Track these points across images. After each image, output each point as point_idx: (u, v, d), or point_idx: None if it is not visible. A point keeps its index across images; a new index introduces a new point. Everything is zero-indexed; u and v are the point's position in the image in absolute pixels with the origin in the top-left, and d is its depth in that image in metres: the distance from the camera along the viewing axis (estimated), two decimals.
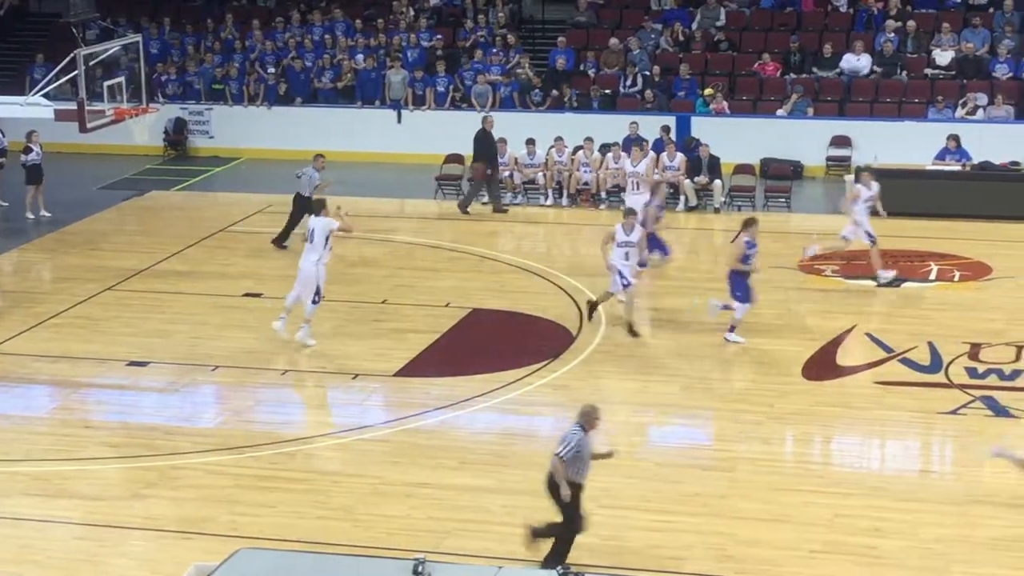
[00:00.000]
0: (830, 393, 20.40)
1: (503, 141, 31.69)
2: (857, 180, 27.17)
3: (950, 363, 21.37)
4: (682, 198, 31.32)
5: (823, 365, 21.35)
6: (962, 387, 20.41)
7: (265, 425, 19.61)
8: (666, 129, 32.79)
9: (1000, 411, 19.61)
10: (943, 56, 35.03)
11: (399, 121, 36.20)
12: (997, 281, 25.42)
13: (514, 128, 32.35)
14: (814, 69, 35.63)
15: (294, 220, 27.83)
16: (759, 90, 35.61)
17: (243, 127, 36.90)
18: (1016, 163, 30.72)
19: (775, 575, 15.17)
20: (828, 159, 33.83)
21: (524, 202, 31.85)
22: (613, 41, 36.75)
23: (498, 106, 35.50)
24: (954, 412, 19.56)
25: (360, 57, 37.22)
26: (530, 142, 32.08)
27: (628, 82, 35.80)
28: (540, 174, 31.85)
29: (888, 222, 26.12)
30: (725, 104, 34.64)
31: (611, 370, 21.42)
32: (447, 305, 24.15)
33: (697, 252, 27.74)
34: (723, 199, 31.33)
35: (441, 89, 36.26)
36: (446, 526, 16.30)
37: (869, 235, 25.22)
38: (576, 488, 14.89)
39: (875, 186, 25.73)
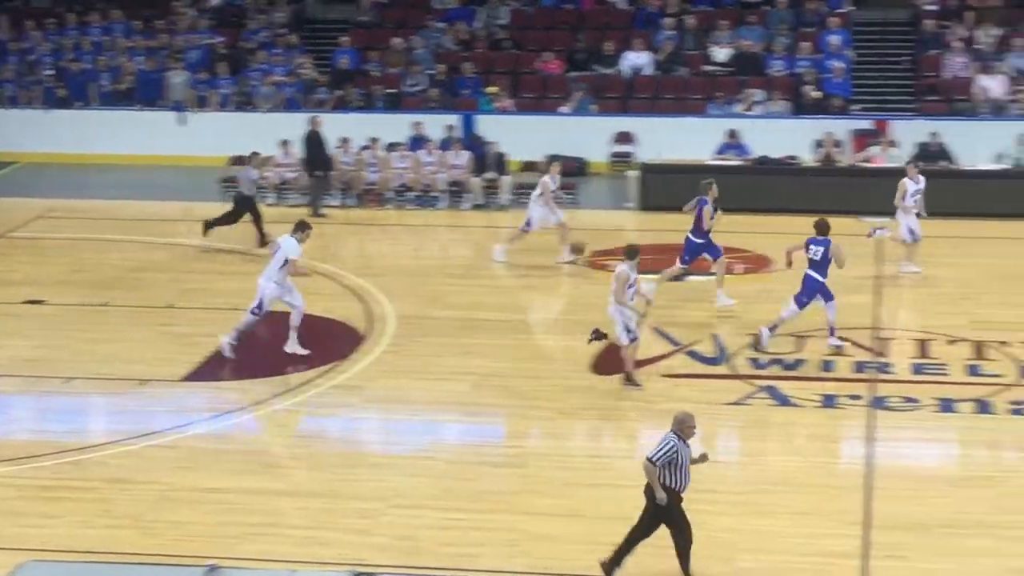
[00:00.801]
0: (619, 387, 20.62)
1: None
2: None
3: (734, 354, 21.77)
4: (469, 196, 31.44)
5: (613, 360, 21.58)
6: (746, 377, 20.81)
7: (48, 434, 19.17)
8: (450, 128, 32.90)
9: (783, 400, 20.04)
10: (721, 53, 35.68)
11: (182, 123, 35.69)
12: (778, 273, 25.94)
13: (299, 129, 32.12)
14: (596, 67, 36.02)
15: (233, 216, 28.05)
16: (543, 88, 35.88)
17: (19, 131, 36.01)
18: (793, 157, 31.43)
19: (567, 569, 15.28)
20: (612, 155, 34.22)
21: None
22: (396, 40, 36.71)
23: (283, 107, 35.24)
24: (739, 402, 19.93)
25: (140, 58, 36.63)
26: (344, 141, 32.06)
27: (412, 81, 35.81)
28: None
29: (668, 217, 26.54)
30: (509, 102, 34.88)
31: (402, 369, 21.39)
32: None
33: (486, 249, 27.81)
34: (509, 196, 31.50)
35: (224, 91, 35.86)
36: (238, 531, 16.11)
37: (911, 232, 25.91)
38: (674, 495, 14.71)
39: (922, 180, 26.29)
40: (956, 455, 18.67)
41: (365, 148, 31.97)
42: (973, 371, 21.05)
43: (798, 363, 21.44)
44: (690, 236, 23.94)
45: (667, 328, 22.77)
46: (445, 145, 32.40)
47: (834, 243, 21.85)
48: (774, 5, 36.65)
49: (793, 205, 29.45)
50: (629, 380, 20.41)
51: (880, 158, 31.34)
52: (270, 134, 32.52)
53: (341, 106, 35.08)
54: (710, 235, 23.85)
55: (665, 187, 30.40)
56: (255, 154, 28.72)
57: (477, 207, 31.35)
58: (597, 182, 33.39)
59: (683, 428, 14.77)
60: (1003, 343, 21.96)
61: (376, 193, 31.56)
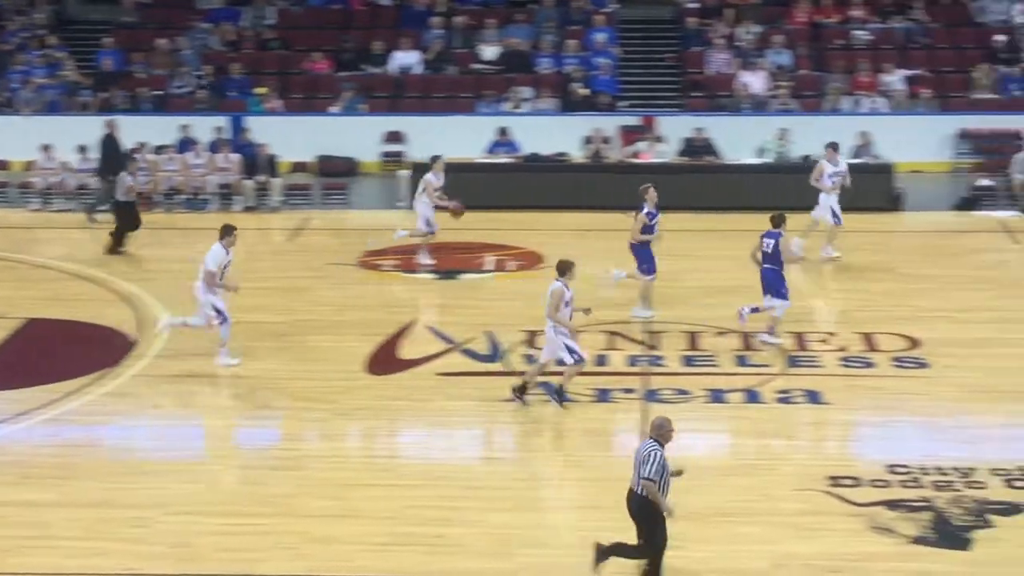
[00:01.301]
0: (394, 387, 20.62)
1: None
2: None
3: (508, 351, 21.92)
4: (239, 199, 31.14)
5: (386, 359, 21.56)
6: (521, 375, 20.95)
7: None
8: (219, 130, 32.54)
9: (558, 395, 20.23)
10: (489, 51, 35.90)
11: None
12: (550, 270, 26.17)
13: (63, 132, 31.47)
14: (365, 66, 35.95)
15: (128, 223, 27.51)
16: (312, 88, 35.70)
17: None
18: (562, 154, 31.77)
19: (348, 570, 15.23)
20: (382, 155, 34.20)
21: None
22: (162, 42, 36.18)
23: (45, 110, 34.48)
24: (514, 399, 20.05)
25: None
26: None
27: (179, 83, 35.32)
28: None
29: (443, 216, 26.58)
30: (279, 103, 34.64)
31: (175, 375, 21.07)
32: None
33: (257, 252, 27.57)
34: (280, 198, 31.28)
35: None
36: (7, 543, 15.71)
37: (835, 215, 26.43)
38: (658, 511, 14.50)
39: (842, 161, 26.81)
40: (727, 444, 19.05)
41: (134, 152, 31.42)
42: (742, 362, 21.50)
43: None
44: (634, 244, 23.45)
45: (442, 327, 22.83)
46: (214, 147, 32.05)
47: (783, 237, 22.07)
48: (541, 3, 37.02)
49: (563, 202, 29.81)
50: (560, 394, 19.52)
51: (648, 153, 31.86)
52: (34, 138, 31.80)
53: (106, 108, 34.43)
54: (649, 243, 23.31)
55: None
56: (132, 159, 28.06)
57: (248, 209, 31.06)
58: (368, 182, 33.35)
59: (662, 434, 14.52)
60: (768, 334, 22.44)
61: (145, 197, 31.03)
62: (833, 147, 27.54)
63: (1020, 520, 16.20)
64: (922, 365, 21.22)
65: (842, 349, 21.92)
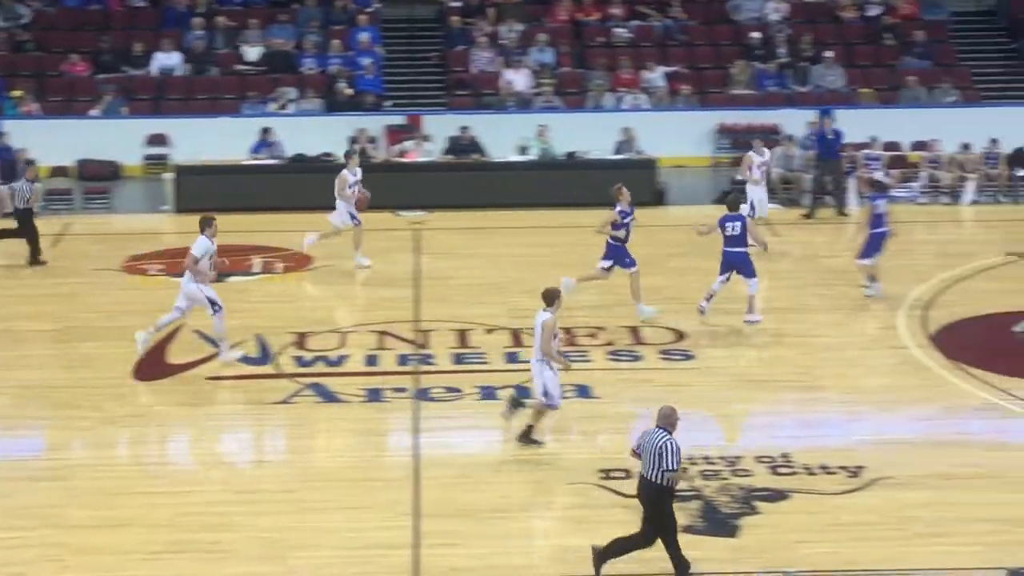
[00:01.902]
0: (163, 392, 20.32)
1: None
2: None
3: (279, 353, 21.75)
4: None
5: (154, 365, 21.23)
6: (291, 376, 20.83)
7: None
8: None
9: (329, 397, 20.14)
10: (252, 52, 35.57)
11: None
12: (318, 271, 26.08)
13: None
14: (125, 68, 35.31)
15: (32, 235, 26.44)
16: (70, 90, 34.94)
17: None
18: (328, 154, 31.62)
19: None
20: (145, 158, 33.61)
21: None
22: None
23: None
24: (285, 401, 19.93)
25: None
26: None
27: None
28: None
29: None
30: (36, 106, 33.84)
31: None
32: None
33: (17, 256, 26.88)
34: (40, 203, 30.55)
35: None
36: None
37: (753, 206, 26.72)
38: (669, 494, 14.59)
39: (767, 152, 27.36)
40: (499, 441, 19.14)
41: None
42: (512, 358, 21.64)
43: (342, 359, 21.59)
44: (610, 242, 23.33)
45: (210, 331, 22.53)
46: None
47: (748, 220, 22.75)
48: (303, 3, 36.79)
49: (330, 203, 29.60)
50: (527, 436, 18.28)
51: (414, 152, 31.88)
52: None
53: None
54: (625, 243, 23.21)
55: (202, 188, 30.15)
56: (30, 165, 27.11)
57: (7, 215, 30.24)
58: (131, 185, 32.75)
59: (671, 422, 14.73)
60: None
61: None
62: (760, 139, 28.42)
63: (784, 506, 16.60)
64: (688, 357, 21.60)
65: (610, 343, 22.21)
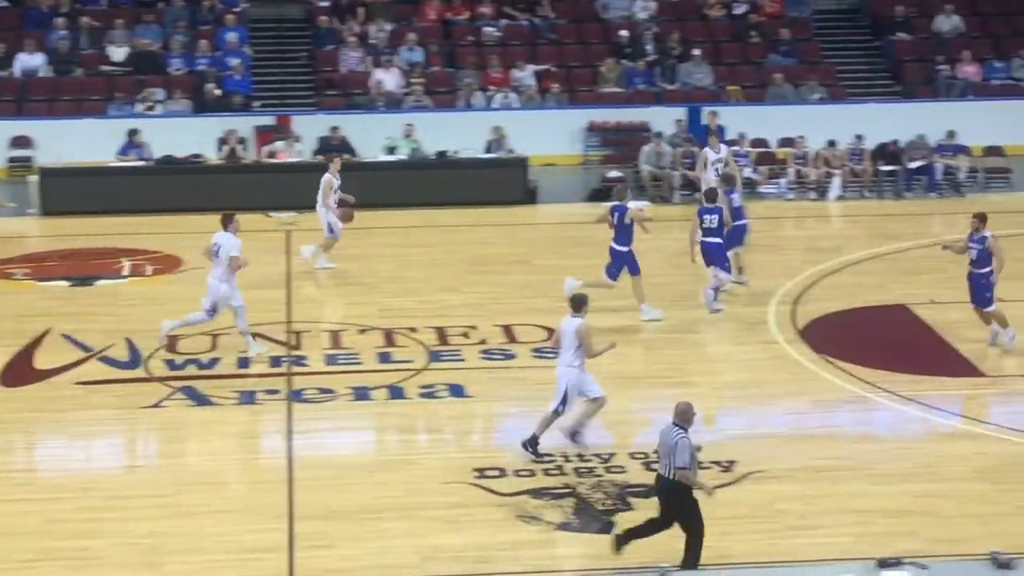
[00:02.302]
0: (31, 398, 20.01)
1: None
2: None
3: (149, 357, 21.52)
4: None
5: (21, 370, 20.92)
6: (162, 379, 20.62)
7: None
8: None
9: (201, 400, 19.97)
10: (118, 52, 35.16)
11: None
12: (189, 273, 25.82)
13: None
14: None
15: None
16: None
17: None
18: (197, 156, 31.36)
19: None
20: (9, 160, 33.12)
21: None
22: None
23: None
24: (156, 405, 19.72)
25: None
26: None
27: None
28: None
29: (72, 221, 25.97)
30: None
31: None
32: None
33: None
34: None
35: None
36: None
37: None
38: (690, 494, 14.57)
39: (723, 148, 27.68)
40: (372, 441, 19.12)
41: None
42: (385, 359, 21.60)
43: (214, 362, 21.41)
44: (614, 246, 23.13)
45: (79, 335, 22.26)
46: None
47: (725, 210, 23.37)
48: (170, 3, 36.43)
49: (200, 204, 29.40)
50: (533, 443, 17.82)
51: (285, 153, 31.69)
52: None
53: None
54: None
55: (67, 191, 29.77)
56: None
57: None
58: None
59: (687, 418, 14.71)
60: (412, 329, 22.64)
61: None
62: (715, 135, 28.89)
63: (657, 501, 16.69)
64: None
65: (483, 342, 22.24)
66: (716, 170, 27.95)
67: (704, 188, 27.62)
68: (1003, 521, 16.10)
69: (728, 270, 23.68)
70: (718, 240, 23.37)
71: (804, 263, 26.13)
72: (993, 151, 33.08)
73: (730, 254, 24.09)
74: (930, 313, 23.07)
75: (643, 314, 22.94)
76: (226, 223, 21.39)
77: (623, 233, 22.92)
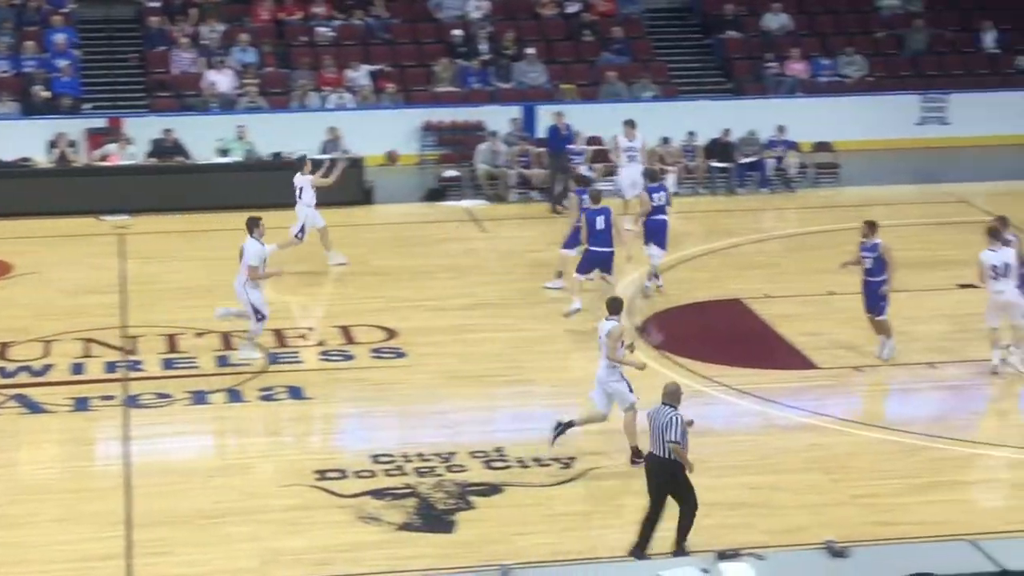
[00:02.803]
0: None
1: None
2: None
3: None
4: None
5: None
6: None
7: None
8: None
9: (34, 407, 19.62)
10: None
11: None
12: (19, 278, 25.37)
13: None
14: None
15: None
16: None
17: None
18: (27, 159, 30.79)
19: None
20: None
21: None
22: None
23: None
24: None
25: None
26: None
27: None
28: None
29: None
30: None
31: None
32: None
33: None
34: None
35: None
36: None
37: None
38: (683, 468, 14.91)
39: (637, 136, 28.55)
40: (211, 446, 18.95)
41: None
42: (222, 362, 21.40)
43: (47, 368, 21.05)
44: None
45: None
46: None
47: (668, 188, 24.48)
48: None
49: (29, 208, 28.94)
50: (637, 455, 17.42)
51: (117, 156, 31.22)
52: None
53: None
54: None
55: None
56: None
57: None
58: None
59: (677, 397, 15.19)
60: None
61: None
62: (630, 124, 29.39)
63: (499, 499, 16.78)
64: (400, 355, 21.65)
65: (321, 343, 22.13)
66: (629, 158, 28.72)
67: (620, 174, 29.16)
68: (836, 511, 16.42)
69: (664, 247, 24.22)
70: (664, 217, 24.01)
71: (640, 260, 26.34)
72: (822, 147, 33.64)
73: (571, 253, 24.22)
74: (764, 307, 23.41)
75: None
76: (250, 228, 21.19)
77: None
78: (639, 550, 15.08)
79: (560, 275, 24.48)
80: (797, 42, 37.12)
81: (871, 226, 20.90)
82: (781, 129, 32.47)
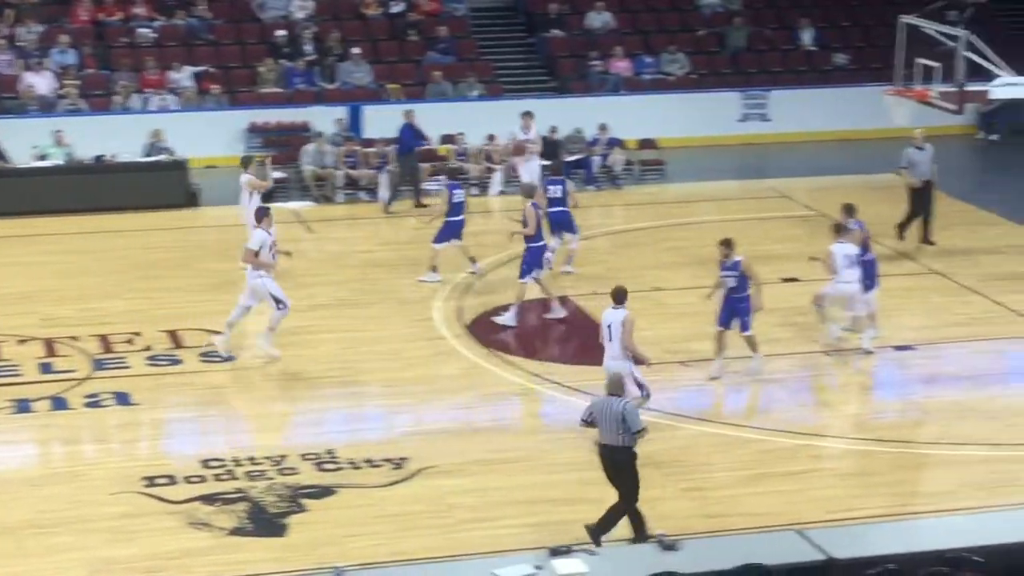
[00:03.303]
0: None
1: None
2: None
3: None
4: None
5: None
6: None
7: None
8: None
9: None
10: None
11: None
12: None
13: None
14: None
15: None
16: None
17: None
18: None
19: None
20: None
21: None
22: None
23: None
24: None
25: None
26: None
27: None
28: None
29: None
30: None
31: None
32: None
33: None
34: None
35: None
36: None
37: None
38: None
39: (532, 128, 29.23)
40: (36, 454, 18.61)
41: None
42: (46, 369, 21.02)
43: None
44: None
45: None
46: None
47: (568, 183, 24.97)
48: None
49: None
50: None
51: None
52: None
53: None
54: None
55: None
56: None
57: None
58: None
59: (621, 385, 15.54)
60: (74, 338, 22.09)
61: None
62: (527, 115, 30.03)
63: (331, 502, 16.72)
64: (228, 358, 21.45)
65: (148, 348, 21.84)
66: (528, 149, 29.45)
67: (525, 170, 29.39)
68: (667, 505, 16.60)
69: (576, 231, 24.99)
70: (563, 209, 24.78)
71: (468, 259, 26.41)
72: (647, 144, 34.00)
73: (440, 247, 24.67)
74: (592, 304, 23.58)
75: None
76: (258, 217, 21.52)
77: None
78: (641, 535, 15.24)
79: (435, 269, 24.61)
80: (620, 40, 37.48)
81: (728, 244, 20.24)
82: (603, 128, 32.73)
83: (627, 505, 15.30)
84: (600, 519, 15.31)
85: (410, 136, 30.79)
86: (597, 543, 15.05)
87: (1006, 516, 15.50)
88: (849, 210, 21.71)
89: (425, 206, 29.76)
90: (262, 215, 21.52)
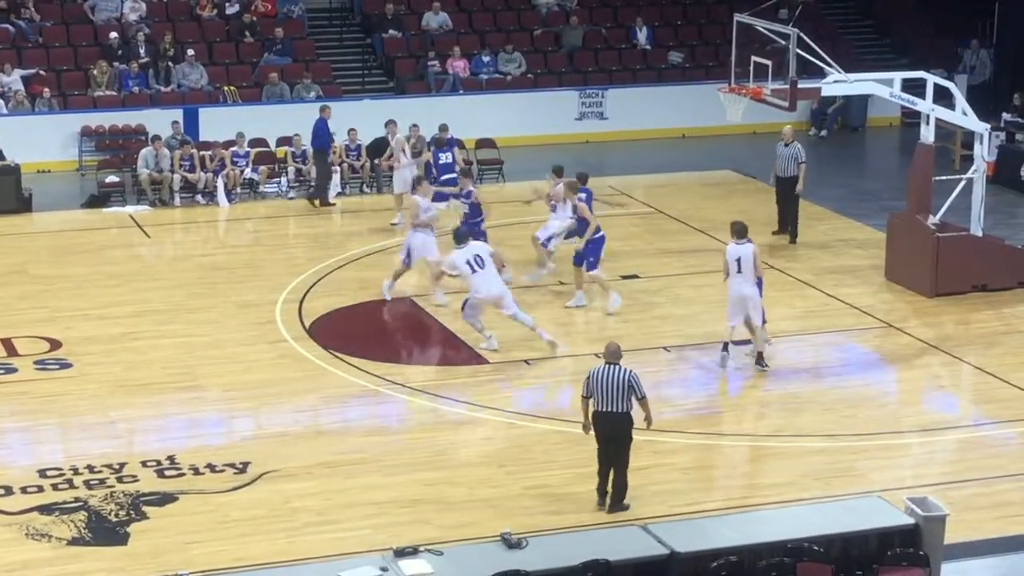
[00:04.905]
0: None
1: None
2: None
3: None
4: None
5: None
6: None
7: None
8: None
9: None
10: None
11: None
12: None
13: None
14: None
15: None
16: None
17: None
18: None
19: None
20: None
21: None
22: None
23: None
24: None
25: None
26: None
27: None
28: None
29: None
30: None
31: None
32: None
33: None
34: None
35: None
36: None
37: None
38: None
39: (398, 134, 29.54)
40: None
41: None
42: None
43: None
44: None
45: None
46: None
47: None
48: None
49: None
50: (762, 360, 20.92)
51: None
52: None
53: None
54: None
55: None
56: None
57: None
58: None
59: (619, 354, 16.17)
60: None
61: None
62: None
63: (173, 508, 16.54)
64: (66, 365, 21.10)
65: None
66: (409, 155, 29.46)
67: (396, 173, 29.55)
68: (511, 502, 16.68)
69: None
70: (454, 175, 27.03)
71: (308, 260, 26.26)
72: (485, 143, 34.07)
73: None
74: (433, 305, 23.59)
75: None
76: None
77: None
78: (618, 504, 16.33)
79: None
80: (457, 40, 37.52)
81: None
82: (443, 128, 32.71)
83: (623, 474, 16.25)
84: (613, 494, 16.32)
85: (325, 132, 30.61)
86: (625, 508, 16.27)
87: (844, 505, 15.76)
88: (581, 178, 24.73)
89: (332, 204, 30.08)
90: None
